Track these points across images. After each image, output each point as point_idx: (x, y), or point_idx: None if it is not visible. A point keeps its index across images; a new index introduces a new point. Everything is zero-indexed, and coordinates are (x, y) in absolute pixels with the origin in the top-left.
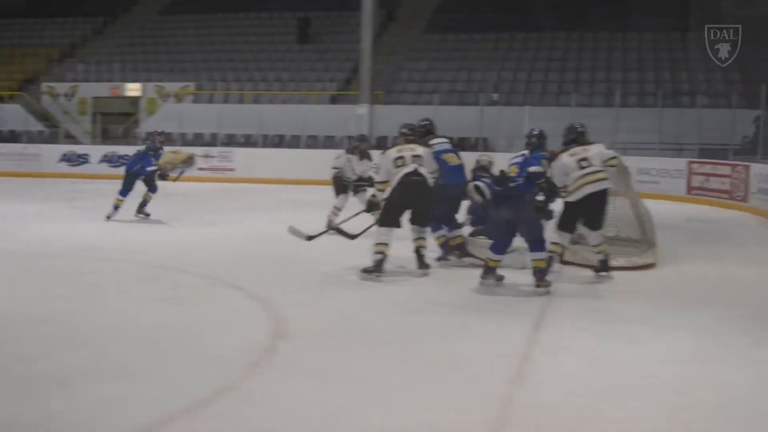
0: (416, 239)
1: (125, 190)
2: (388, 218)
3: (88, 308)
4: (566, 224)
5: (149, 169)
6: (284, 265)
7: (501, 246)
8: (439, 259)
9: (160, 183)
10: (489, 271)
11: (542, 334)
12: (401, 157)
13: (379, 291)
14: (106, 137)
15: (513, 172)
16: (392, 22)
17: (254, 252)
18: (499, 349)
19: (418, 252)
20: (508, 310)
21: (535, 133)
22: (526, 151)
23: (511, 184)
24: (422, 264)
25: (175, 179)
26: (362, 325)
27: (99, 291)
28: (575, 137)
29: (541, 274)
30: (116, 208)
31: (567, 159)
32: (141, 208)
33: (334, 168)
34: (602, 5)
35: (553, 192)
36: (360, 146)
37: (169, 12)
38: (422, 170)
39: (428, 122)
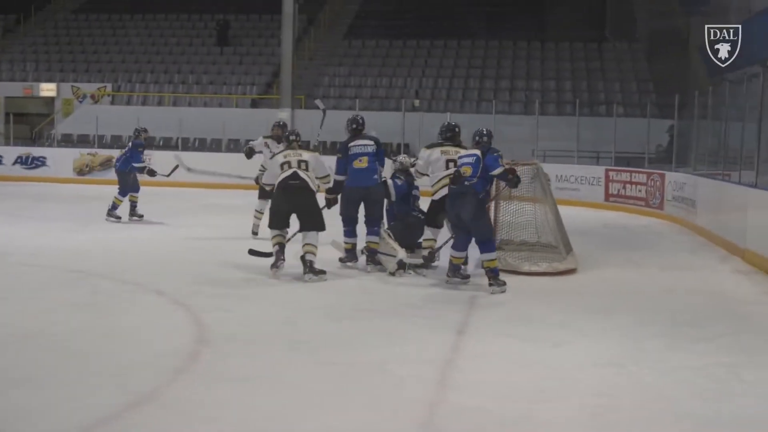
0: (304, 244)
1: (123, 190)
2: (273, 221)
3: (5, 314)
4: (432, 221)
5: (137, 165)
6: (206, 270)
7: (461, 243)
8: (341, 260)
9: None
10: (454, 269)
11: (466, 340)
12: (287, 162)
13: (304, 297)
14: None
15: (467, 172)
16: (313, 27)
17: (175, 257)
18: (424, 354)
19: (303, 258)
20: (432, 316)
21: (485, 132)
22: (477, 151)
23: (467, 183)
24: (311, 269)
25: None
26: (287, 330)
27: (12, 296)
28: (451, 136)
29: (493, 274)
30: (115, 207)
31: (437, 155)
32: (132, 211)
33: (252, 150)
34: (521, 15)
35: (518, 185)
36: (275, 131)
37: (85, 11)
38: (302, 174)
39: (353, 124)
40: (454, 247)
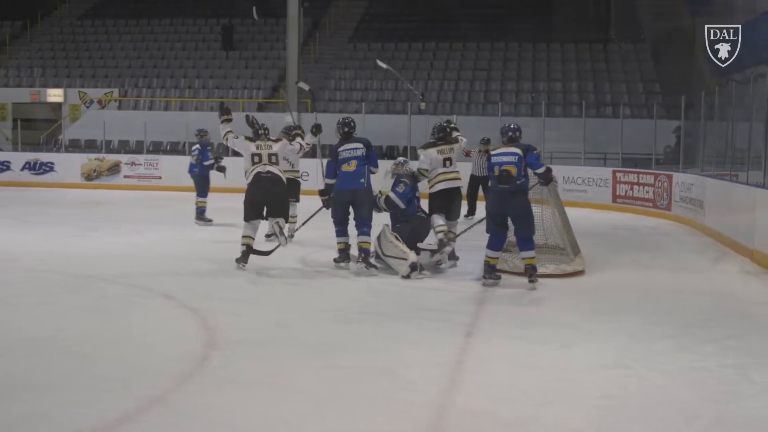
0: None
1: (203, 192)
2: (247, 213)
3: (11, 319)
4: (437, 209)
5: (207, 163)
6: (215, 274)
7: (497, 242)
8: (335, 260)
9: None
10: (489, 269)
11: (474, 342)
12: (258, 155)
13: (312, 300)
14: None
15: (513, 171)
16: (318, 31)
17: (183, 261)
18: (431, 357)
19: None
20: (440, 318)
21: (516, 127)
22: (518, 150)
23: (518, 182)
24: (244, 258)
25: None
26: (295, 334)
27: (21, 301)
28: (443, 135)
29: (533, 271)
30: (202, 211)
31: (435, 155)
32: (201, 216)
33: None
34: (526, 17)
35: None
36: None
37: (91, 16)
38: (271, 168)
39: (345, 127)
40: (492, 247)
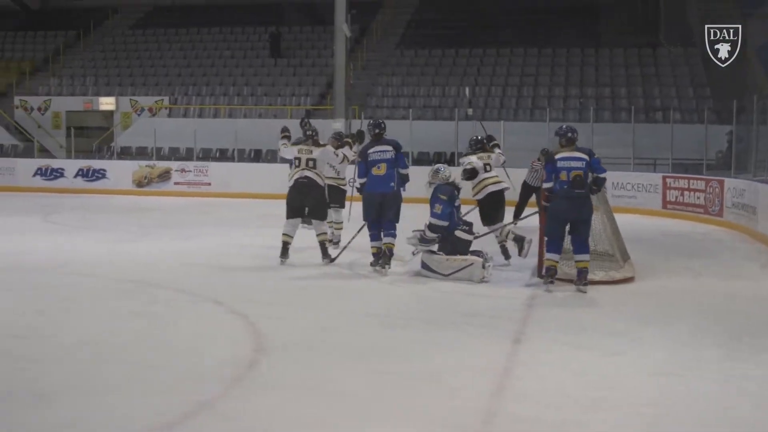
0: (318, 234)
1: None
2: (287, 213)
3: (64, 323)
4: (489, 220)
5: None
6: (262, 279)
7: (558, 246)
8: (371, 264)
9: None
10: (550, 272)
11: (521, 348)
12: (299, 159)
13: (358, 305)
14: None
15: (580, 176)
16: (365, 38)
17: (232, 266)
18: (478, 363)
19: (322, 244)
20: (487, 324)
21: (573, 128)
22: (584, 155)
23: (594, 186)
24: (324, 254)
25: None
26: (341, 339)
27: (75, 306)
28: (481, 147)
29: (585, 275)
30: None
31: (477, 161)
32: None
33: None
34: (574, 22)
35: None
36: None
37: (142, 26)
38: (309, 173)
39: (376, 128)
40: (552, 250)
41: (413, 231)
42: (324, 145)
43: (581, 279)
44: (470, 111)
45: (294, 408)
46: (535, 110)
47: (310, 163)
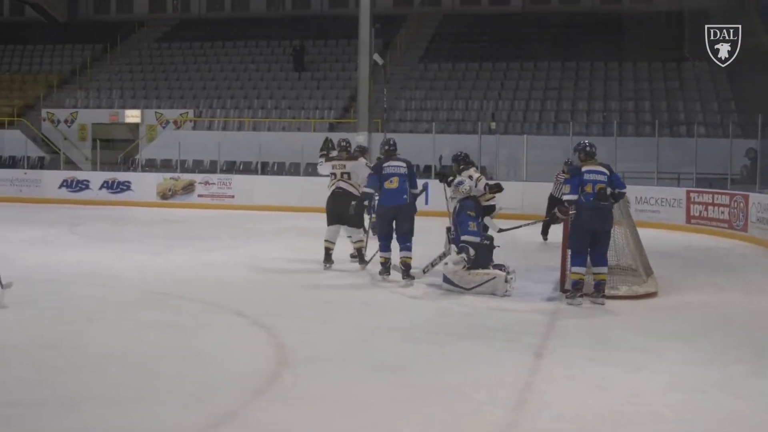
0: (354, 242)
1: None
2: (328, 220)
3: (91, 334)
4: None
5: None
6: (286, 291)
7: (584, 258)
8: (379, 273)
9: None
10: (578, 285)
11: (544, 363)
12: (334, 174)
13: (381, 319)
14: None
15: (604, 188)
16: (389, 51)
17: (255, 279)
18: (500, 377)
19: (359, 251)
20: (510, 338)
21: (592, 143)
22: (605, 169)
23: (613, 199)
24: (361, 260)
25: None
26: (364, 352)
27: (101, 316)
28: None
29: (603, 287)
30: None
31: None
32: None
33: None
34: (598, 36)
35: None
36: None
37: (168, 39)
38: (344, 185)
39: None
40: (578, 263)
41: (451, 264)
42: (357, 158)
43: (599, 291)
44: (493, 125)
45: (317, 421)
46: (558, 124)
47: (345, 176)
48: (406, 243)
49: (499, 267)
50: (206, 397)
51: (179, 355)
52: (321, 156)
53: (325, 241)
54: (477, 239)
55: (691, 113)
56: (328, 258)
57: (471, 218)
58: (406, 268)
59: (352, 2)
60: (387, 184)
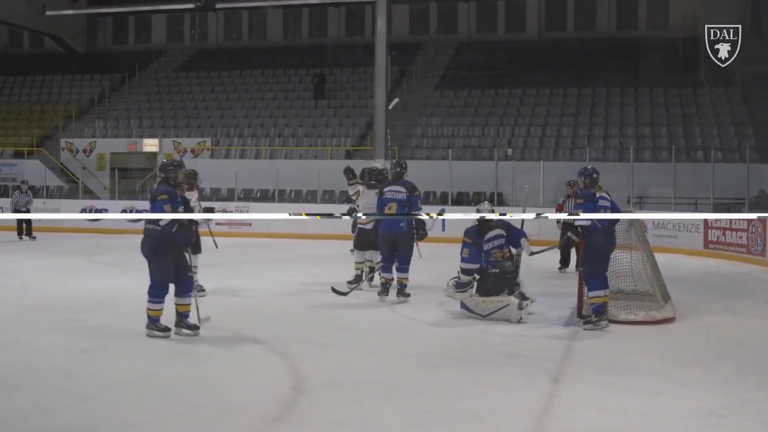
0: (376, 262)
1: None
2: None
3: (110, 361)
4: None
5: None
6: (303, 318)
7: (606, 280)
8: (379, 294)
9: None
10: (604, 308)
11: (561, 388)
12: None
13: (397, 345)
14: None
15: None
16: (405, 79)
17: (272, 306)
18: (518, 403)
19: (371, 269)
20: (527, 364)
21: (592, 168)
22: (604, 193)
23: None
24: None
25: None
26: (381, 378)
27: (120, 344)
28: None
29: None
30: None
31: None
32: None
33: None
34: (614, 62)
35: None
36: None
37: (186, 69)
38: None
39: (397, 167)
40: (602, 286)
41: (449, 281)
42: (375, 187)
43: (598, 316)
44: (510, 151)
45: None
46: (575, 150)
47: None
48: (403, 265)
49: (518, 294)
50: (224, 424)
51: (197, 381)
52: (351, 184)
53: (356, 262)
54: (473, 266)
55: (707, 138)
56: (358, 280)
57: (466, 245)
58: (401, 287)
59: (369, 30)
60: (386, 210)
